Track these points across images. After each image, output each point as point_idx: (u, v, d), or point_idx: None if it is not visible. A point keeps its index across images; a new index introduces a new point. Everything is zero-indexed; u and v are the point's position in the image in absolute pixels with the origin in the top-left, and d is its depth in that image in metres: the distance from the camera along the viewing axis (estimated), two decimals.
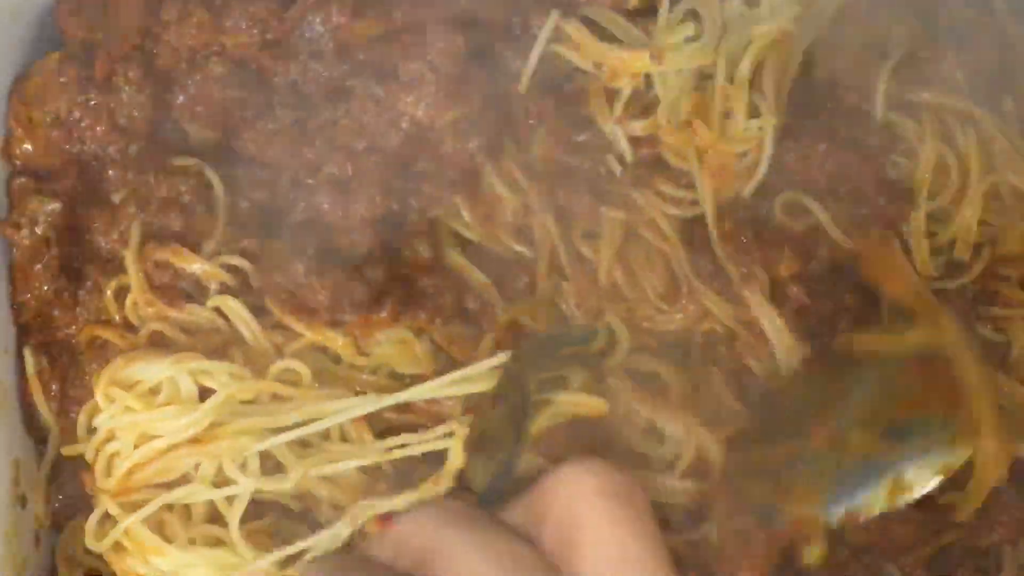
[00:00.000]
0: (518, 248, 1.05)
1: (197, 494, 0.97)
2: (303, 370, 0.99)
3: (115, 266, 1.03)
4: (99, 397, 0.99)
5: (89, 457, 1.00)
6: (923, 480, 0.94)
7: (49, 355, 1.05)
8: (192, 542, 0.98)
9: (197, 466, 0.98)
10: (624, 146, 1.07)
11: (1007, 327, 1.07)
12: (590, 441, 0.98)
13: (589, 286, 1.04)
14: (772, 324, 1.02)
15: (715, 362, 1.03)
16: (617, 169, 1.07)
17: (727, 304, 1.03)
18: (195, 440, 0.96)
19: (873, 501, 0.95)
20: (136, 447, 0.97)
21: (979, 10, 1.12)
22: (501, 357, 0.96)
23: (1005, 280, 1.09)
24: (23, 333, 1.05)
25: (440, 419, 0.98)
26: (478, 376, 0.97)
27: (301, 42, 1.06)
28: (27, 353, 1.05)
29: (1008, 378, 1.05)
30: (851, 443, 0.97)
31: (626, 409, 1.00)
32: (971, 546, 1.05)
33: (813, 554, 0.96)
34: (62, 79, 1.05)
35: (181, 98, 1.06)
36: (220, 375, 0.98)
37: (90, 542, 0.99)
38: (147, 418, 0.97)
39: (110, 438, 0.99)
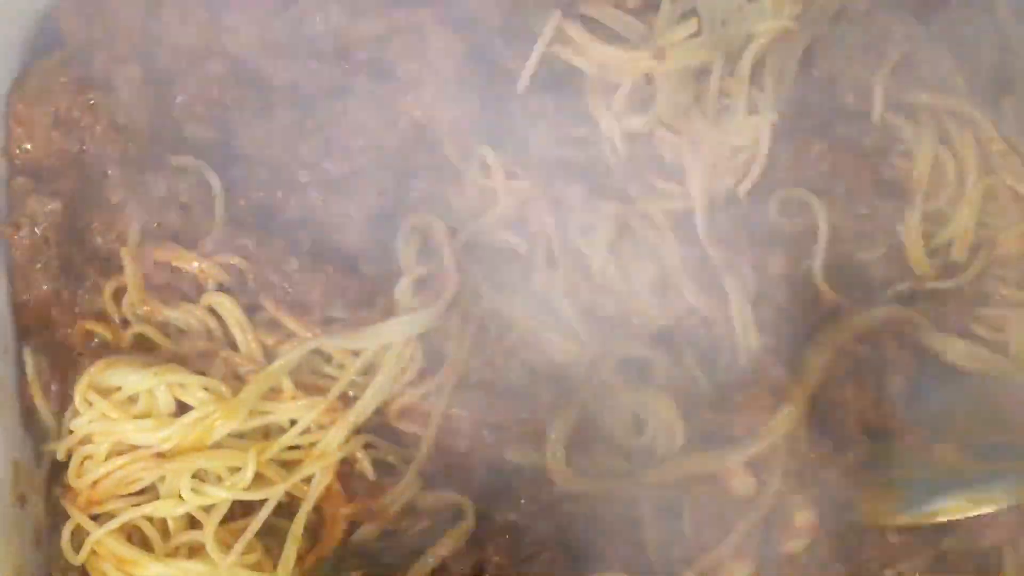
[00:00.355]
0: (513, 240, 1.05)
1: (163, 509, 0.98)
2: (287, 384, 1.00)
3: (114, 266, 1.03)
4: (77, 400, 1.00)
5: (61, 456, 1.01)
6: (999, 500, 0.97)
7: (48, 356, 1.05)
8: (175, 551, 0.99)
9: (163, 477, 0.99)
10: (618, 141, 1.07)
11: (1004, 326, 1.07)
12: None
13: (581, 278, 1.04)
14: (742, 318, 1.03)
15: (693, 346, 1.05)
16: (612, 163, 1.07)
17: (710, 299, 1.04)
18: (158, 455, 0.98)
19: (946, 511, 0.99)
20: (108, 455, 0.98)
21: (979, 10, 1.12)
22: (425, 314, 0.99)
23: (1002, 280, 1.08)
24: (23, 333, 1.05)
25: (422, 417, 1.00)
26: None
27: (301, 42, 1.06)
28: (27, 354, 1.04)
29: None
30: (939, 453, 1.01)
31: (613, 403, 1.02)
32: (970, 548, 1.04)
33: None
34: (62, 79, 1.06)
35: (180, 98, 1.06)
36: (196, 390, 0.98)
37: (68, 555, 1.00)
38: (123, 428, 0.98)
39: (86, 441, 1.00)
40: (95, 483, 0.99)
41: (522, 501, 1.01)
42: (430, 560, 0.98)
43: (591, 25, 1.07)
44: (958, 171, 1.07)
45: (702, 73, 1.07)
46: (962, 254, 1.08)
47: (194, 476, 0.99)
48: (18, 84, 1.07)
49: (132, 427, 0.98)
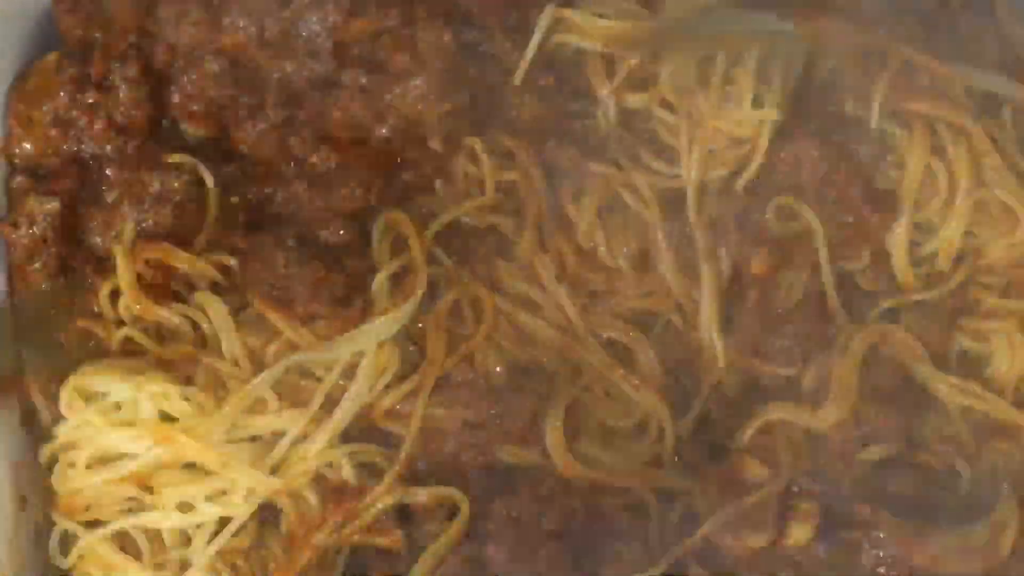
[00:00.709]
0: (493, 219, 1.05)
1: (153, 520, 0.98)
2: (270, 397, 0.99)
3: (111, 266, 1.03)
4: (63, 405, 0.99)
5: (43, 460, 1.01)
6: None
7: (47, 355, 1.04)
8: (165, 565, 0.99)
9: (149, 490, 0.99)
10: (612, 114, 1.06)
11: (989, 338, 1.06)
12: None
13: (568, 247, 1.04)
14: (709, 309, 1.03)
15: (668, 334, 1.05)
16: (604, 132, 1.06)
17: (685, 278, 1.03)
18: (139, 479, 0.98)
19: None
20: (90, 462, 0.98)
21: (981, 15, 1.10)
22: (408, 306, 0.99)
23: (988, 289, 1.07)
24: (22, 333, 1.05)
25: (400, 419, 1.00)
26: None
27: (298, 40, 1.05)
28: (26, 353, 1.04)
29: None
30: None
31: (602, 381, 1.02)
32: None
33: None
34: (61, 78, 1.05)
35: (178, 96, 1.06)
36: (177, 401, 0.98)
37: (55, 558, 1.00)
38: (106, 436, 0.98)
39: (70, 447, 1.00)
40: (77, 492, 0.99)
41: (521, 496, 1.00)
42: (429, 559, 0.98)
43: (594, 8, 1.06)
44: (949, 182, 1.05)
45: (708, 60, 1.05)
46: (946, 264, 1.06)
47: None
48: (18, 83, 1.07)
49: (115, 435, 0.98)
